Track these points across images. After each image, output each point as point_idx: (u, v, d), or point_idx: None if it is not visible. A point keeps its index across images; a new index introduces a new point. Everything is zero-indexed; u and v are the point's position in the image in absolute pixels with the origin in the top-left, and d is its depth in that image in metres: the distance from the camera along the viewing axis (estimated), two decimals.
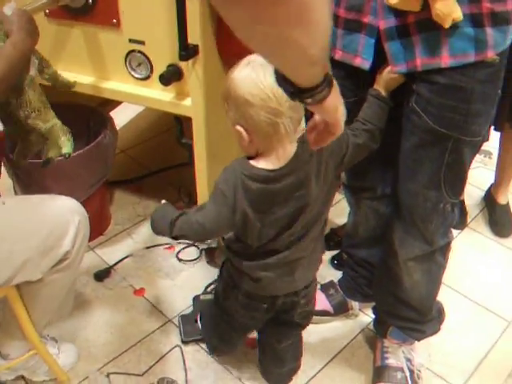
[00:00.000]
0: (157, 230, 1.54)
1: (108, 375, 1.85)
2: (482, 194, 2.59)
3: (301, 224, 1.39)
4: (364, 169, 1.70)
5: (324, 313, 2.00)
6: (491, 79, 1.34)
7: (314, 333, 1.95)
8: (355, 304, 2.03)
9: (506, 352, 1.95)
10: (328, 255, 2.27)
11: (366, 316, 2.05)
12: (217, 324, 1.72)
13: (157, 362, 1.89)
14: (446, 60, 1.29)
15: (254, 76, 1.21)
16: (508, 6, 1.24)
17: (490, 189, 2.53)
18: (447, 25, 1.22)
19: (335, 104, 0.91)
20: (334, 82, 0.89)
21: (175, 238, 1.46)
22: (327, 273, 2.18)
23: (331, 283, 2.07)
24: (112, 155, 2.29)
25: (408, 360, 1.82)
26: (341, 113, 0.98)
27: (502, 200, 2.46)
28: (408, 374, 1.79)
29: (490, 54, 1.29)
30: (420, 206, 1.50)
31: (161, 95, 1.82)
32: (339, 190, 2.34)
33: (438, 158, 1.41)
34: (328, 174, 1.39)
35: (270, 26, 0.61)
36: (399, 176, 1.52)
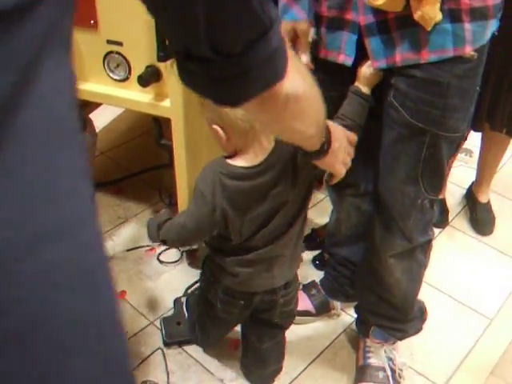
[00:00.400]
0: (149, 236, 1.55)
1: None
2: (464, 192, 2.60)
3: (280, 221, 1.39)
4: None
5: (306, 313, 2.00)
6: (469, 75, 1.35)
7: (296, 333, 1.95)
8: (337, 304, 2.03)
9: (488, 350, 1.95)
10: (309, 255, 2.27)
11: (348, 316, 2.05)
12: (200, 316, 1.74)
13: (139, 364, 1.87)
14: (424, 55, 1.31)
15: None
16: (487, 1, 1.26)
17: (471, 187, 2.54)
18: (430, 27, 1.25)
19: (331, 161, 1.20)
20: (332, 146, 1.14)
21: (163, 242, 1.47)
22: (309, 273, 2.18)
23: (313, 283, 2.07)
24: (91, 157, 2.29)
25: (390, 359, 1.82)
26: (339, 166, 1.26)
27: (483, 198, 2.46)
28: (390, 373, 1.80)
29: (468, 50, 1.30)
30: (398, 201, 1.51)
31: (139, 96, 1.81)
32: (322, 188, 2.34)
33: (415, 152, 1.42)
34: (306, 172, 1.39)
35: (281, 123, 0.90)
36: (379, 172, 1.53)
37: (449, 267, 2.25)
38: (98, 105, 2.42)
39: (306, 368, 1.88)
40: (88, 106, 2.27)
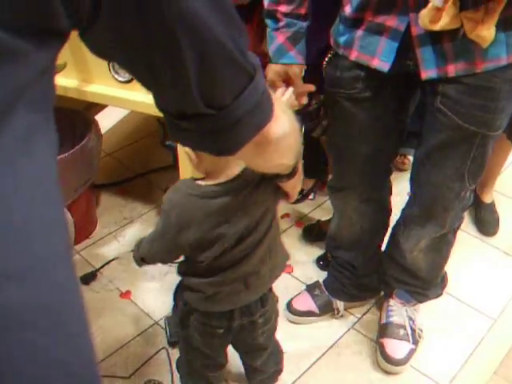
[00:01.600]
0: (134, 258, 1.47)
1: None
2: None
3: (251, 241, 1.34)
4: (348, 170, 1.73)
5: (309, 313, 2.01)
6: None
7: (299, 333, 1.96)
8: (340, 304, 2.03)
9: (492, 350, 1.95)
10: (314, 255, 2.28)
11: (351, 316, 2.06)
12: (188, 362, 1.63)
13: (143, 364, 1.88)
14: (480, 65, 1.35)
15: None
16: None
17: (475, 188, 2.53)
18: (486, 45, 1.29)
19: (294, 184, 1.26)
20: (298, 166, 1.18)
21: (143, 260, 1.41)
22: (313, 274, 2.19)
23: (316, 284, 2.08)
24: (97, 158, 2.29)
25: (410, 319, 1.92)
26: (297, 190, 1.31)
27: (487, 199, 2.47)
28: (410, 331, 1.90)
29: None
30: (444, 196, 1.59)
31: (144, 98, 1.81)
32: (324, 191, 2.35)
33: (465, 152, 1.49)
34: (270, 195, 1.34)
35: (272, 162, 0.96)
36: (421, 172, 1.60)
37: (453, 268, 2.22)
38: (103, 106, 2.44)
39: (309, 368, 1.88)
40: (93, 107, 2.29)
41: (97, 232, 2.43)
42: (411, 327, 1.91)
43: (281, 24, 1.47)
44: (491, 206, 2.47)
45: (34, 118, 0.53)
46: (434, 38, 1.33)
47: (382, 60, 1.41)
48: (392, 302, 1.95)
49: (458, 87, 1.39)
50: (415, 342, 1.90)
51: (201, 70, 0.64)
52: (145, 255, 1.39)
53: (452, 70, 1.36)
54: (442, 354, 1.93)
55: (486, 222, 2.43)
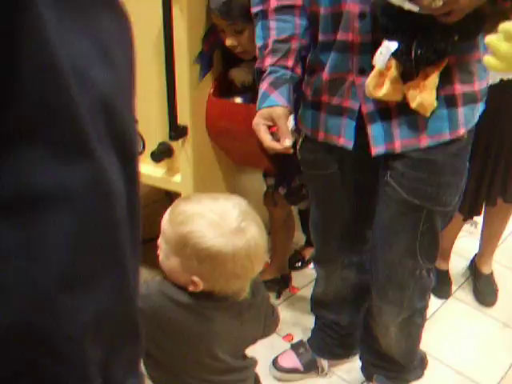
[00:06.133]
0: None
1: None
2: (468, 262, 2.50)
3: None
4: (329, 242, 1.79)
5: (295, 370, 2.03)
6: (461, 153, 1.45)
7: None
8: (325, 362, 2.04)
9: None
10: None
11: (335, 376, 2.06)
12: None
13: None
14: (423, 141, 1.39)
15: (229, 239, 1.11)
16: (475, 86, 1.39)
17: (474, 258, 2.41)
18: (428, 114, 1.33)
19: None
20: None
21: None
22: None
23: (301, 342, 2.07)
24: None
25: None
26: None
27: (485, 270, 2.40)
28: None
29: (462, 132, 1.41)
30: (397, 274, 1.57)
31: (152, 171, 1.90)
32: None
33: (412, 227, 1.49)
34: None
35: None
36: (376, 247, 1.60)
37: (451, 338, 2.19)
38: None
39: None
40: None
41: None
42: None
43: (264, 74, 1.46)
44: (489, 277, 2.41)
45: None
46: (383, 115, 1.39)
47: (346, 139, 1.45)
48: None
49: (404, 161, 1.42)
50: None
51: None
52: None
53: (398, 145, 1.40)
54: None
55: (484, 293, 2.36)
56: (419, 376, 1.90)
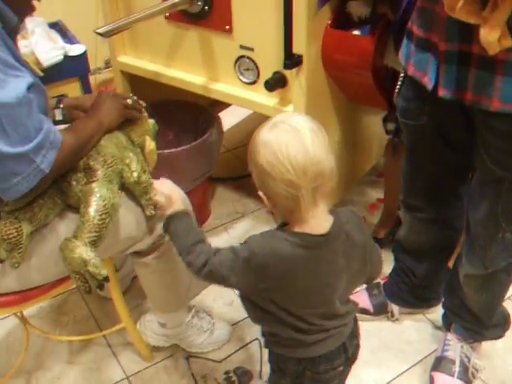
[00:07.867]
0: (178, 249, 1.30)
1: (187, 358, 1.92)
2: None
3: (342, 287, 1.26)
4: (414, 192, 1.78)
5: (364, 311, 2.01)
6: None
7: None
8: (395, 308, 2.04)
9: None
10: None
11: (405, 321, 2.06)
12: None
13: (236, 351, 1.94)
14: (496, 105, 1.29)
15: (275, 144, 1.10)
16: None
17: None
18: (492, 52, 1.17)
19: None
20: None
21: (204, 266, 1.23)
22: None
23: (376, 284, 2.06)
24: (217, 153, 2.32)
25: (466, 356, 1.85)
26: None
27: None
28: (462, 368, 1.84)
29: None
30: (480, 234, 1.60)
31: (265, 100, 1.90)
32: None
33: (496, 195, 1.50)
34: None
35: None
36: (468, 206, 1.65)
37: None
38: (227, 105, 2.41)
39: None
40: (217, 104, 2.37)
41: (209, 222, 2.47)
42: (464, 364, 1.83)
43: None
44: None
45: None
46: (462, 59, 1.30)
47: (429, 78, 1.39)
48: (449, 336, 1.88)
49: (490, 131, 1.39)
50: (468, 381, 1.84)
51: None
52: (211, 267, 1.22)
53: (470, 98, 1.33)
54: None
55: None
56: (499, 335, 1.87)
